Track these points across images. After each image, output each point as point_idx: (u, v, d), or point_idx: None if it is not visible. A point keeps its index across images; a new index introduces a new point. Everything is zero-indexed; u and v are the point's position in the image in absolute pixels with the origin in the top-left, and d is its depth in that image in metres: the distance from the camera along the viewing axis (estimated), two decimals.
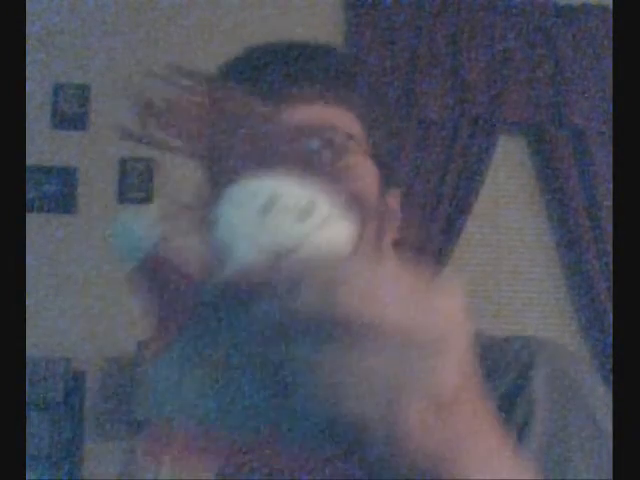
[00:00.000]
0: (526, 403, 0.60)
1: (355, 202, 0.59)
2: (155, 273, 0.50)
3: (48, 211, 2.81)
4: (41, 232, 2.77)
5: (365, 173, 0.71)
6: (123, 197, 2.83)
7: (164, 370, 0.46)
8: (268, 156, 0.60)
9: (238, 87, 0.63)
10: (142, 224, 0.51)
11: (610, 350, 2.83)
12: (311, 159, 0.66)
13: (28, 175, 2.75)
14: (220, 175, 0.58)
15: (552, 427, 0.59)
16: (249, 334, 0.39)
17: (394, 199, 0.76)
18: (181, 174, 2.82)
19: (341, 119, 0.70)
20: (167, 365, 0.46)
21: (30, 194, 2.77)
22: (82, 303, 2.76)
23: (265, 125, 0.63)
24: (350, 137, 0.69)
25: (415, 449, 0.40)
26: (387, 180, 0.75)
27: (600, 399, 0.63)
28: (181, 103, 0.53)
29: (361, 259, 0.39)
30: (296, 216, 0.50)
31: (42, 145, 2.85)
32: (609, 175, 2.86)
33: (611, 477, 0.57)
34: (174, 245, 0.47)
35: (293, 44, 0.71)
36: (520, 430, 0.59)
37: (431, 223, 2.86)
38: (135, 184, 2.83)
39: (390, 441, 0.40)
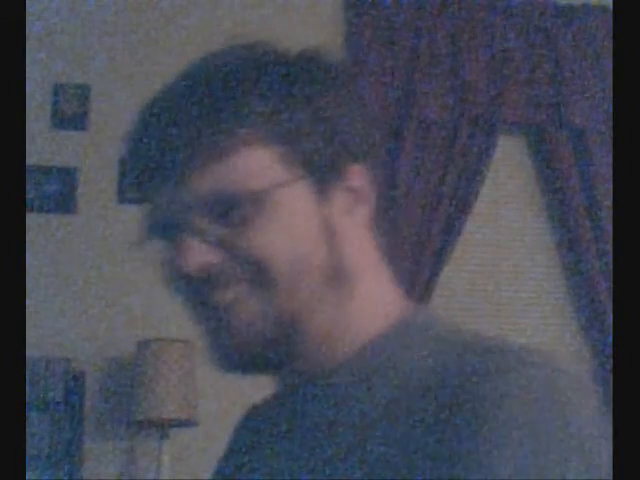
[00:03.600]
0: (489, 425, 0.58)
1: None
2: None
3: (48, 211, 2.81)
4: (41, 232, 2.77)
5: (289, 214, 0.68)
6: (123, 197, 2.83)
7: None
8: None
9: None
10: None
11: (610, 350, 2.83)
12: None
13: (28, 175, 2.75)
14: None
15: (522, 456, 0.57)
16: None
17: (357, 175, 0.71)
18: None
19: (252, 166, 0.67)
20: None
21: (30, 194, 2.77)
22: (82, 303, 2.76)
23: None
24: (262, 190, 0.67)
25: None
26: (344, 155, 0.71)
27: (593, 433, 0.60)
28: None
29: None
30: None
31: (42, 145, 2.85)
32: (609, 175, 2.86)
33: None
34: None
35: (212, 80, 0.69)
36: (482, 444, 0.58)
37: (431, 223, 2.86)
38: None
39: None
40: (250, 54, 0.70)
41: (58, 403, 2.61)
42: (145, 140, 0.68)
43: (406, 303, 0.73)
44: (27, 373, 2.56)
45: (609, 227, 2.87)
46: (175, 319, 2.55)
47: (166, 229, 0.69)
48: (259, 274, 0.66)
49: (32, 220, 2.73)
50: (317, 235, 0.68)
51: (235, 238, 0.66)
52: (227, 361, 0.69)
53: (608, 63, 2.96)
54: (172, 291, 0.70)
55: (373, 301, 0.71)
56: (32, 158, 2.77)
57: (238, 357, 0.68)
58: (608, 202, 2.87)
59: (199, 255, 0.66)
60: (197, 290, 0.68)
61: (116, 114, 2.85)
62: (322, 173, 0.69)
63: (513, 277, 3.03)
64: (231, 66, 0.68)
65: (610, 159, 2.86)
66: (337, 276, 0.69)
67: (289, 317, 0.67)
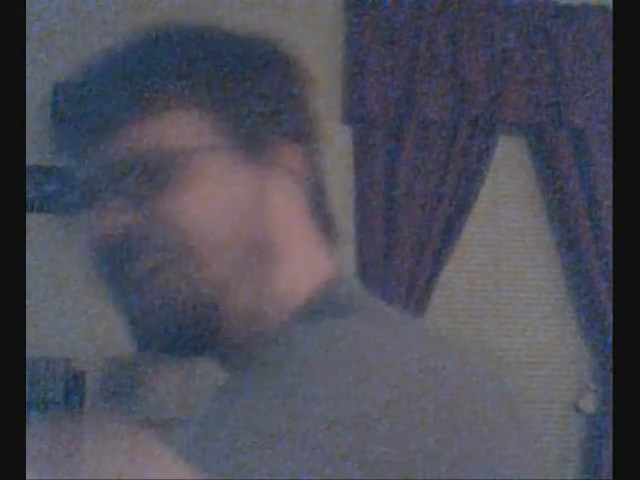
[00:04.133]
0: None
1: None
2: None
3: (48, 211, 2.81)
4: (41, 232, 2.77)
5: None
6: None
7: None
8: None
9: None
10: None
11: (610, 350, 2.83)
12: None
13: (28, 175, 2.75)
14: None
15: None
16: None
17: (292, 155, 0.68)
18: None
19: (181, 128, 0.65)
20: None
21: (30, 194, 2.76)
22: (82, 303, 2.76)
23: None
24: (187, 153, 0.65)
25: None
26: (280, 134, 0.69)
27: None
28: None
29: None
30: None
31: (42, 145, 2.84)
32: (609, 175, 2.86)
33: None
34: None
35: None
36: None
37: (431, 223, 2.86)
38: None
39: None
40: (202, 29, 0.70)
41: (58, 403, 2.61)
42: (76, 95, 0.68)
43: (334, 278, 0.72)
44: (27, 373, 2.56)
45: (609, 227, 2.87)
46: None
47: (87, 191, 0.66)
48: (179, 242, 0.63)
49: (32, 220, 2.73)
50: (244, 208, 0.66)
51: (156, 202, 0.64)
52: (143, 340, 0.67)
53: (608, 63, 2.96)
54: (87, 258, 0.68)
55: (300, 277, 0.70)
56: (32, 158, 2.77)
57: (155, 335, 0.66)
58: (608, 202, 2.87)
59: (118, 217, 0.64)
60: (113, 257, 0.65)
61: None
62: (255, 147, 0.67)
63: (513, 277, 3.03)
64: (179, 35, 0.69)
65: (610, 159, 2.86)
66: (263, 251, 0.67)
67: (211, 291, 0.65)
